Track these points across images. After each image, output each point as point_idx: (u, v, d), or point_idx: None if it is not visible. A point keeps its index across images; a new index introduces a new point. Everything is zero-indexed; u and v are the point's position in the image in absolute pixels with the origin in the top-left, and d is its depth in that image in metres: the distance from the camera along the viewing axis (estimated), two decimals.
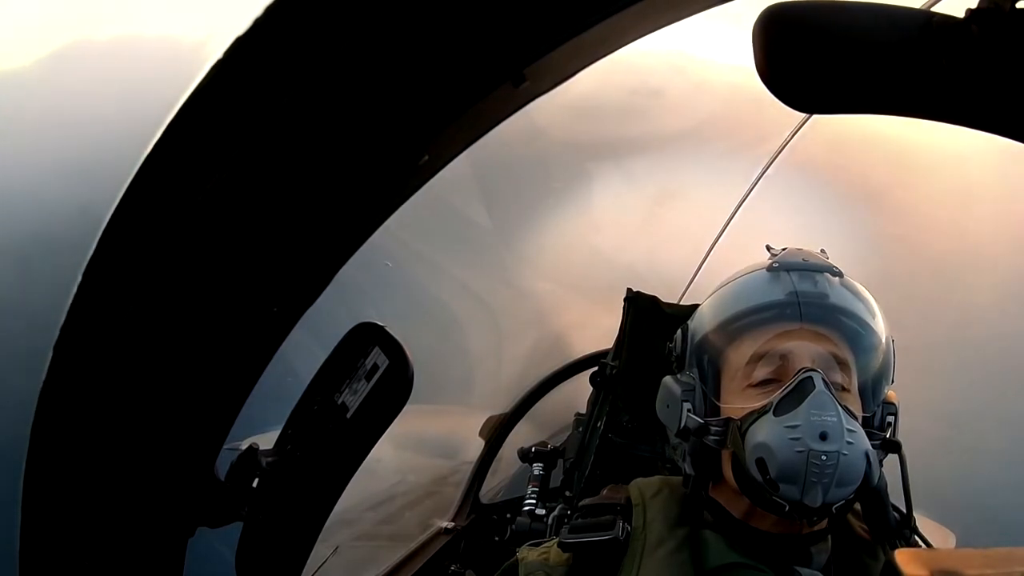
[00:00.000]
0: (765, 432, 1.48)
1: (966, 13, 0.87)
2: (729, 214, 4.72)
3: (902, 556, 0.89)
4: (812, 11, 0.91)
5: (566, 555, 1.67)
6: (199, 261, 0.87)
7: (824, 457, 1.42)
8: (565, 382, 4.02)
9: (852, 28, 0.91)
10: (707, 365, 1.72)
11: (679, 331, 1.85)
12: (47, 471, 0.90)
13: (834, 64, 0.91)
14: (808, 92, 0.93)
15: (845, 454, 1.43)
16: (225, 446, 0.98)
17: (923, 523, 1.77)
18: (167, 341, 0.89)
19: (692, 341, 1.78)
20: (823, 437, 1.43)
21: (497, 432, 3.90)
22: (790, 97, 0.91)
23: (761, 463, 1.48)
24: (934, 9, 0.91)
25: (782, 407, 1.49)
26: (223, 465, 1.02)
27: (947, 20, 0.89)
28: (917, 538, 1.73)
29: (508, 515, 3.60)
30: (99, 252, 0.84)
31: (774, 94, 0.90)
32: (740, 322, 1.67)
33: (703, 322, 1.76)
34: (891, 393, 1.71)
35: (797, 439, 1.44)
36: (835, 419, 1.44)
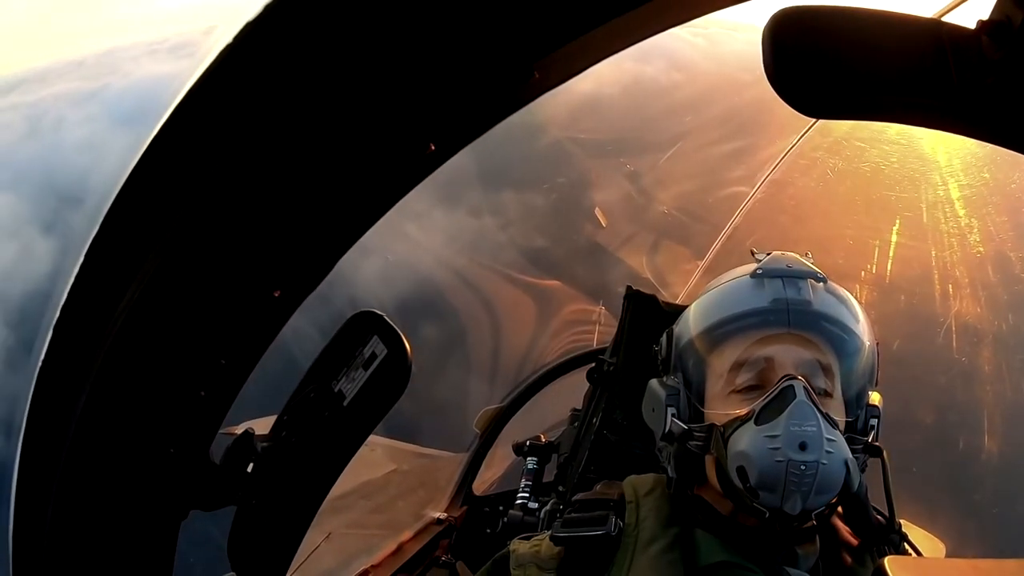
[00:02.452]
0: (746, 441, 1.51)
1: (976, 24, 0.87)
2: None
3: (892, 564, 0.89)
4: (822, 16, 0.91)
5: (557, 548, 1.68)
6: (202, 242, 0.87)
7: (803, 467, 1.44)
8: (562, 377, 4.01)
9: (861, 34, 0.91)
10: (691, 370, 1.73)
11: (664, 334, 1.86)
12: (42, 453, 0.90)
13: (842, 70, 0.91)
14: (816, 97, 0.92)
15: (824, 463, 1.45)
16: (220, 430, 0.98)
17: (913, 531, 1.78)
18: (166, 322, 0.89)
19: (677, 345, 1.79)
20: (803, 447, 1.45)
21: (492, 424, 3.89)
22: (798, 101, 0.91)
23: (742, 471, 1.50)
24: (944, 19, 0.91)
25: (763, 416, 1.51)
26: (219, 449, 1.02)
27: (957, 30, 0.88)
28: (907, 545, 1.75)
29: (500, 508, 3.60)
30: (102, 232, 0.85)
31: (782, 97, 0.90)
32: (724, 328, 1.68)
33: (688, 327, 1.77)
34: (875, 395, 1.73)
35: (777, 448, 1.46)
36: (815, 429, 1.46)
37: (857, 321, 1.68)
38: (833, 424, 1.52)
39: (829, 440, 1.46)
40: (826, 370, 1.61)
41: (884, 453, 1.67)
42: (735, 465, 1.52)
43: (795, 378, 1.53)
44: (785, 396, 1.51)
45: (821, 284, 1.67)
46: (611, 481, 1.92)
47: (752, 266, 1.73)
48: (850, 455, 1.51)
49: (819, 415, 1.49)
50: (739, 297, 1.69)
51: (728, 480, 1.55)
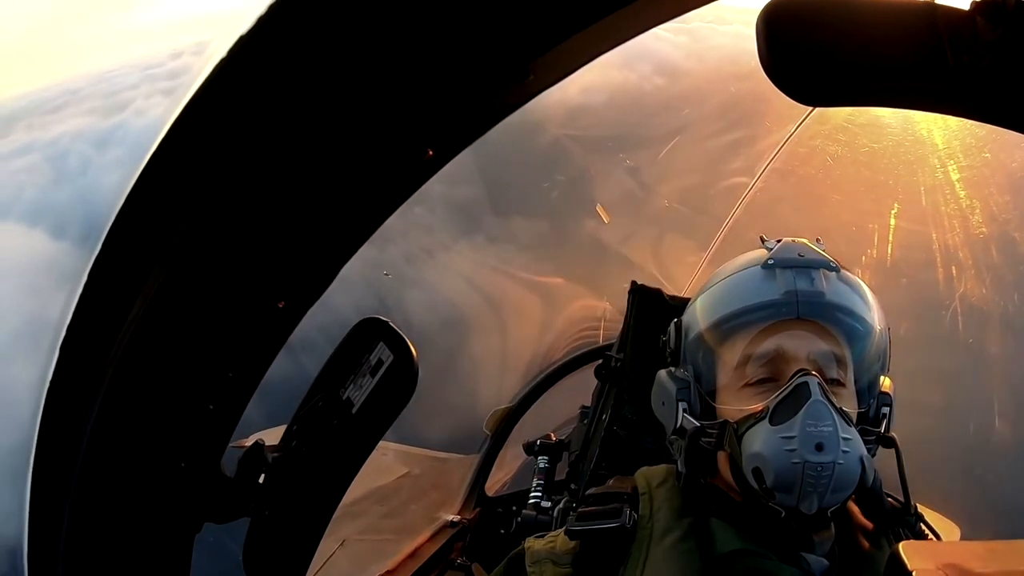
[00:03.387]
0: (761, 442, 1.49)
1: (971, 6, 0.87)
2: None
3: (907, 548, 0.89)
4: (815, 4, 0.91)
5: (573, 543, 1.67)
6: (205, 256, 0.87)
7: (820, 468, 1.43)
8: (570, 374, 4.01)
9: (855, 20, 0.91)
10: (701, 362, 1.71)
11: (672, 325, 1.83)
12: (55, 468, 0.90)
13: (838, 56, 0.91)
14: (812, 84, 0.92)
15: (841, 463, 1.44)
16: (231, 443, 0.98)
17: (926, 515, 1.77)
18: (172, 337, 0.90)
19: (686, 338, 1.76)
20: (819, 448, 1.43)
21: (502, 425, 3.90)
22: (794, 89, 0.91)
23: (757, 473, 1.49)
24: (938, 1, 0.90)
25: (778, 415, 1.50)
26: (230, 462, 1.03)
27: (951, 12, 0.88)
28: (923, 526, 1.74)
29: (514, 508, 3.60)
30: (105, 249, 0.85)
31: (778, 86, 0.90)
32: (735, 322, 1.64)
33: (697, 319, 1.73)
34: (887, 381, 1.71)
35: (793, 450, 1.44)
36: (831, 429, 1.45)
37: (870, 309, 1.65)
38: (848, 421, 1.50)
39: (845, 439, 1.45)
40: (839, 360, 1.59)
41: (896, 439, 1.66)
42: (750, 466, 1.51)
43: (809, 373, 1.51)
44: (800, 394, 1.49)
45: (834, 273, 1.63)
46: (623, 476, 1.91)
47: (761, 252, 1.69)
48: (865, 451, 1.50)
49: (834, 413, 1.47)
50: (750, 289, 1.65)
51: (743, 477, 1.54)
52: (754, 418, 1.54)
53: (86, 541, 0.93)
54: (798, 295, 1.59)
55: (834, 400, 1.50)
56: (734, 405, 1.60)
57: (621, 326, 2.87)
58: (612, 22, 0.81)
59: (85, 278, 0.85)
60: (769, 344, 1.59)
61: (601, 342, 4.11)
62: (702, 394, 1.69)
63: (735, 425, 1.57)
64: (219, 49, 0.75)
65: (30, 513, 0.91)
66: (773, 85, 0.90)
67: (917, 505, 1.73)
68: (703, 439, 1.64)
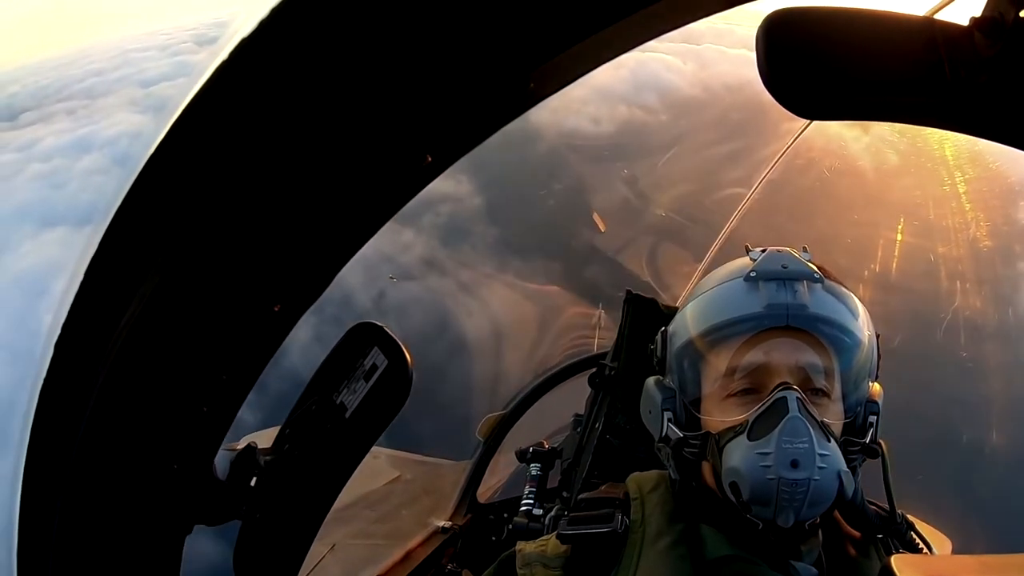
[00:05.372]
0: (738, 457, 1.51)
1: (970, 22, 0.87)
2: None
3: (899, 562, 0.89)
4: (815, 17, 0.92)
5: (564, 547, 1.68)
6: (202, 258, 0.87)
7: (795, 484, 1.44)
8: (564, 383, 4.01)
9: (854, 35, 0.91)
10: (687, 372, 1.72)
11: (659, 334, 1.84)
12: (46, 471, 0.90)
13: (837, 70, 0.91)
14: (811, 98, 0.93)
15: (816, 479, 1.45)
16: (223, 446, 0.98)
17: (917, 528, 1.78)
18: (167, 339, 0.89)
19: (672, 348, 1.77)
20: (794, 464, 1.44)
21: (495, 432, 3.89)
22: (793, 103, 0.91)
23: (734, 487, 1.51)
24: (937, 17, 0.91)
25: (756, 430, 1.51)
26: (222, 464, 1.02)
27: (950, 28, 0.89)
28: (913, 534, 1.74)
29: (505, 515, 3.59)
30: (102, 249, 0.85)
31: (777, 100, 0.90)
32: (718, 334, 1.65)
33: (681, 330, 1.74)
34: (875, 388, 1.71)
35: (768, 466, 1.45)
36: (807, 446, 1.46)
37: (856, 318, 1.64)
38: (827, 435, 1.50)
39: (821, 455, 1.46)
40: (825, 370, 1.59)
41: (883, 447, 1.66)
42: (728, 480, 1.52)
43: (789, 387, 1.52)
44: (777, 409, 1.50)
45: (818, 284, 1.62)
46: (615, 483, 1.91)
47: (745, 262, 1.68)
48: (844, 466, 1.50)
49: (811, 430, 1.47)
50: (733, 301, 1.64)
51: (723, 488, 1.56)
52: (734, 431, 1.55)
53: (77, 541, 0.93)
54: (783, 308, 1.59)
55: (815, 414, 1.51)
56: (717, 416, 1.61)
57: (615, 335, 2.86)
58: (613, 32, 0.81)
59: (81, 278, 0.85)
60: (753, 356, 1.59)
61: (595, 350, 4.10)
62: (686, 404, 1.69)
63: (716, 437, 1.58)
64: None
65: (21, 512, 0.91)
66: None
67: (905, 514, 1.74)
68: (686, 449, 1.65)
